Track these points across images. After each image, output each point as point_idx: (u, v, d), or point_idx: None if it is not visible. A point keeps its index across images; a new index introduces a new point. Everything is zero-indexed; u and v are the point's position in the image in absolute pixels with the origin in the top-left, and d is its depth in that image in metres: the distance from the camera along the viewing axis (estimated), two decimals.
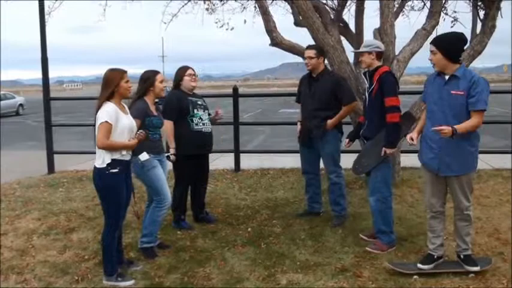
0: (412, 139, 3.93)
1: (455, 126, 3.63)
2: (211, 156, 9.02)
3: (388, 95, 4.42)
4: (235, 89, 8.70)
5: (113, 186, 3.86)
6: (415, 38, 6.57)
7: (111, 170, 3.83)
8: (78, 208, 6.33)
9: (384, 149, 4.44)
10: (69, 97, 9.94)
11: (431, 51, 3.82)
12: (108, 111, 3.81)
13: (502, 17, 6.71)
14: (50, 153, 9.00)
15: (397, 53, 6.50)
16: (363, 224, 5.35)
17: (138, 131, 4.12)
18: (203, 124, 5.24)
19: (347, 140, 4.99)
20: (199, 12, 16.73)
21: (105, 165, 3.83)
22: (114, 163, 3.84)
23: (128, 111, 4.13)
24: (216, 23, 8.67)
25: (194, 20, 9.52)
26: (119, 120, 3.86)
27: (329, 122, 5.18)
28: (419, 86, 29.26)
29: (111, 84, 3.88)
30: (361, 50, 4.59)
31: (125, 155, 3.94)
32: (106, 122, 3.77)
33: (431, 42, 3.83)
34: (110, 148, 3.82)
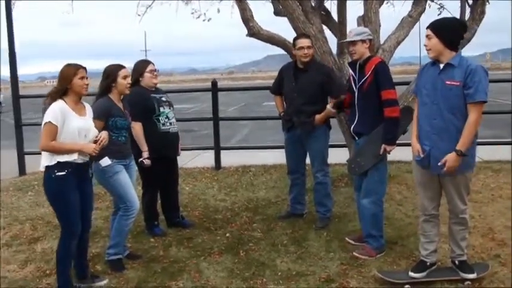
0: (418, 152, 3.59)
1: (457, 148, 3.36)
2: (191, 154, 8.96)
3: (386, 87, 4.13)
4: (214, 84, 8.37)
5: (59, 191, 3.49)
6: (401, 26, 6.26)
7: (57, 173, 3.45)
8: (45, 214, 5.89)
9: (383, 146, 4.15)
10: (37, 94, 9.35)
11: (426, 36, 3.48)
12: (54, 111, 3.43)
13: (488, 3, 6.40)
14: (21, 154, 8.56)
15: (382, 42, 6.19)
16: (349, 225, 5.01)
17: (100, 132, 3.71)
18: (170, 124, 4.84)
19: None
20: (173, 3, 16.36)
21: (51, 168, 3.46)
22: (60, 165, 3.45)
23: (88, 111, 3.71)
24: (193, 13, 8.30)
25: (177, 14, 9.14)
26: (67, 121, 3.46)
27: (317, 117, 4.89)
28: (403, 76, 29.11)
29: (65, 81, 3.50)
30: (354, 38, 4.25)
31: (77, 158, 3.52)
32: (49, 122, 3.42)
33: (428, 27, 3.48)
34: (53, 150, 3.46)
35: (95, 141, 3.62)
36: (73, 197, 3.53)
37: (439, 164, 3.41)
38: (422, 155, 3.53)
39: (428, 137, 3.49)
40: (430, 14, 7.21)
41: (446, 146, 3.40)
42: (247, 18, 6.12)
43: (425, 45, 3.46)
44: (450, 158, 3.36)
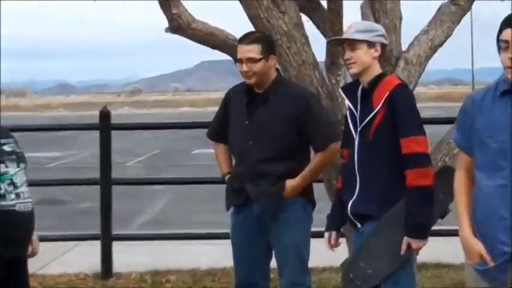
0: (481, 256, 3.60)
1: None
2: (56, 248, 8.71)
3: (409, 132, 4.18)
4: (104, 114, 8.29)
5: None
6: (438, 19, 6.34)
7: None
8: None
9: (406, 240, 4.17)
10: None
11: None
12: None
13: None
14: None
15: (404, 48, 6.29)
16: None
17: None
18: (18, 195, 4.75)
19: (329, 234, 4.62)
20: None
21: None
22: None
23: None
24: None
25: None
26: None
27: (289, 184, 4.93)
28: (442, 104, 29.87)
29: None
30: (354, 36, 4.33)
31: None
32: None
33: None
34: None
35: None
36: None
37: None
38: (492, 263, 3.55)
39: (506, 229, 3.54)
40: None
41: None
42: (168, 3, 6.16)
43: (510, 59, 3.48)
44: None
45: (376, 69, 4.37)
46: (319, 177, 5.75)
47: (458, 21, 6.37)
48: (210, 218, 10.57)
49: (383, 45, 4.42)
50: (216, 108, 5.51)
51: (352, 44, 4.33)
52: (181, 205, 13.09)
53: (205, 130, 5.66)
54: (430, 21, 6.36)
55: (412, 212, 4.13)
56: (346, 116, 4.51)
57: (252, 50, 4.95)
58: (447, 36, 6.33)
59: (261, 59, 4.94)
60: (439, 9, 6.40)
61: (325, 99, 5.97)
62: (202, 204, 11.98)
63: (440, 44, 6.32)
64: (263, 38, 5.18)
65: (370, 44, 4.32)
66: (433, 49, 6.27)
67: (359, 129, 4.31)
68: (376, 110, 4.22)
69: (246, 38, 5.09)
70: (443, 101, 37.78)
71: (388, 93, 4.23)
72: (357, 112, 4.35)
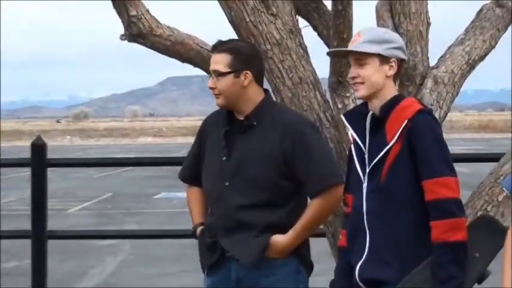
0: None
1: None
2: None
3: (436, 171, 4.12)
4: (37, 147, 8.21)
5: None
6: (478, 25, 6.36)
7: None
8: None
9: None
10: None
11: None
12: None
13: None
14: None
15: (432, 64, 6.27)
16: None
17: None
18: None
19: None
20: None
21: None
22: None
23: None
24: None
25: None
26: None
27: (277, 240, 4.85)
28: (484, 135, 30.22)
29: None
30: (363, 48, 4.27)
31: None
32: None
33: None
34: None
35: None
36: None
37: None
38: None
39: None
40: None
41: None
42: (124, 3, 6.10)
43: None
44: None
45: (391, 92, 4.35)
46: (319, 229, 5.74)
47: (506, 28, 6.36)
48: (177, 282, 10.51)
49: (400, 61, 4.39)
50: (187, 140, 5.40)
51: (360, 58, 4.29)
52: (139, 265, 12.99)
53: (173, 168, 5.57)
54: (467, 28, 6.37)
55: (439, 275, 4.08)
56: (350, 152, 4.47)
57: (220, 61, 4.91)
58: (490, 48, 6.30)
59: (227, 73, 4.89)
60: (479, 12, 6.41)
61: (329, 128, 5.91)
62: (166, 265, 11.91)
63: (481, 58, 6.30)
64: (237, 47, 5.10)
65: (384, 59, 4.28)
66: (472, 64, 6.25)
67: (368, 169, 4.27)
68: (391, 144, 4.18)
69: (218, 46, 5.04)
70: (485, 131, 38.21)
71: (405, 121, 4.18)
72: (365, 147, 4.30)
